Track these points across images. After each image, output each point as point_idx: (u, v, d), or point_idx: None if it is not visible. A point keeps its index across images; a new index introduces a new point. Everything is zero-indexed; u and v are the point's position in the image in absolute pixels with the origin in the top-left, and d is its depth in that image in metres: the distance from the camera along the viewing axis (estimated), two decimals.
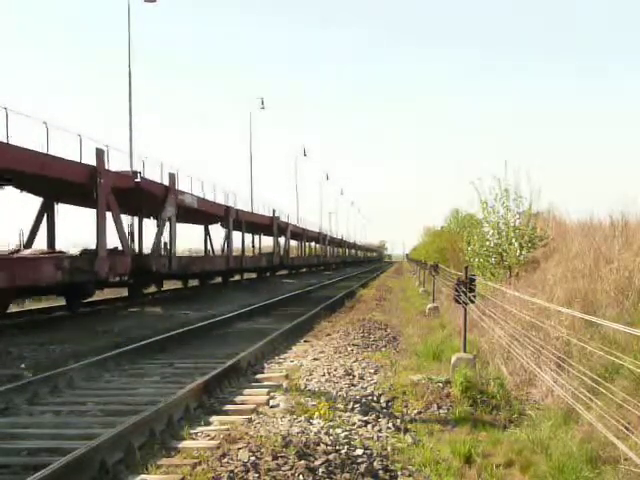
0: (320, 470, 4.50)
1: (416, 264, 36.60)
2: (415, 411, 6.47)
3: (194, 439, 5.43)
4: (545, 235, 13.15)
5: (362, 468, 4.66)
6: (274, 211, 40.05)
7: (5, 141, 14.06)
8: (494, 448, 5.39)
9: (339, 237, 79.70)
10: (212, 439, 5.33)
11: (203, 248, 31.50)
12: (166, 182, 22.19)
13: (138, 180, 19.57)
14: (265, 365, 8.94)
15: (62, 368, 8.19)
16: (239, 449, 4.78)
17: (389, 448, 5.29)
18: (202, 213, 26.93)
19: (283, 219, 42.48)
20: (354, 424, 5.83)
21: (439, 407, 6.54)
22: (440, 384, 7.22)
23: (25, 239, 18.10)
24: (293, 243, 49.47)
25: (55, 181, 15.83)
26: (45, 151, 15.52)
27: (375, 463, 4.82)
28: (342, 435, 5.40)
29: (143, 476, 4.57)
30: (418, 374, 7.72)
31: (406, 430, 5.88)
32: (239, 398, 6.90)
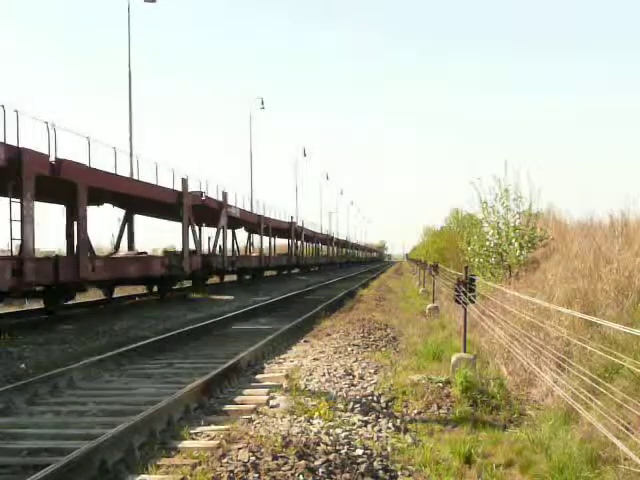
0: (320, 470, 4.50)
1: (416, 264, 36.60)
2: (415, 411, 6.47)
3: (194, 439, 5.43)
4: (545, 235, 13.15)
5: (362, 468, 4.66)
6: (292, 217, 46.88)
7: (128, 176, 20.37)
8: (494, 448, 5.39)
9: (344, 239, 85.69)
10: (212, 439, 5.32)
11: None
12: (220, 198, 28.58)
13: (204, 198, 25.46)
14: (265, 365, 8.96)
15: (62, 368, 8.19)
16: (239, 449, 4.78)
17: (389, 448, 5.29)
18: (242, 221, 33.46)
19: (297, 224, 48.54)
20: (354, 424, 5.83)
21: (439, 407, 6.54)
22: (440, 384, 7.22)
23: (115, 243, 23.26)
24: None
25: (155, 202, 21.41)
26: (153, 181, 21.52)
27: (375, 463, 4.82)
28: (342, 435, 5.40)
29: (143, 476, 4.57)
30: (418, 374, 7.72)
31: (406, 430, 5.88)
32: (239, 398, 6.92)
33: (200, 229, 31.99)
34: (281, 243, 46.93)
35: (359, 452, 5.00)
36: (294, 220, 46.67)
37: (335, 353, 9.59)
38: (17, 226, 13.33)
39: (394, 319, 14.44)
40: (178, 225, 23.31)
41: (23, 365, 9.30)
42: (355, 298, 20.66)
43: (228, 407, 6.52)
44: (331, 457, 4.73)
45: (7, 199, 13.38)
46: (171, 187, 22.30)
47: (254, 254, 37.01)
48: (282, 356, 9.74)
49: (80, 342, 11.64)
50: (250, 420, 5.88)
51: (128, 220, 23.32)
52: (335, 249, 72.71)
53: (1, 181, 13.79)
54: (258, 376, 8.17)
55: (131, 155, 23.76)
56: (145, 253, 22.11)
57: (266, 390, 7.19)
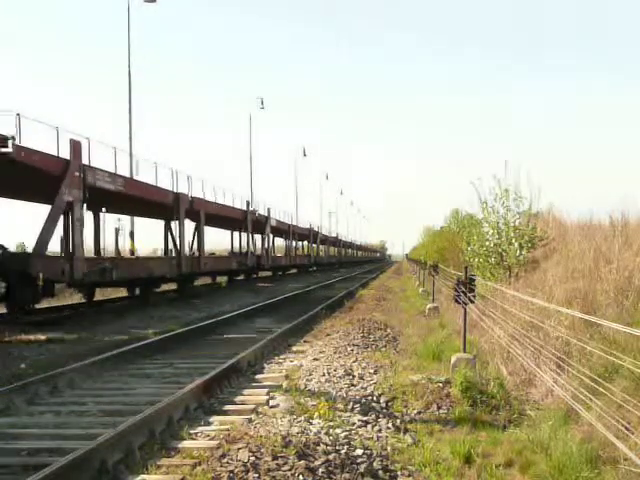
0: (320, 470, 4.50)
1: (416, 264, 36.58)
2: (415, 411, 6.47)
3: (194, 439, 5.43)
4: (545, 235, 13.13)
5: (362, 468, 4.66)
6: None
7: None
8: (494, 448, 5.38)
9: (353, 243, 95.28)
10: (212, 439, 5.32)
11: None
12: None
13: (257, 215, 33.83)
14: (265, 365, 8.95)
15: (62, 368, 8.18)
16: (239, 449, 4.78)
17: (389, 448, 5.29)
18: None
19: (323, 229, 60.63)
20: (354, 424, 5.83)
21: (439, 407, 6.54)
22: (440, 384, 7.21)
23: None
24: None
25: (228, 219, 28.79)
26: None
27: (375, 463, 4.82)
28: (342, 435, 5.40)
29: (143, 476, 4.57)
30: (418, 374, 7.72)
31: (406, 430, 5.88)
32: (239, 398, 6.91)
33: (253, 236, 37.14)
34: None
35: (359, 452, 5.00)
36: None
37: (335, 353, 9.59)
38: None
39: (394, 319, 14.44)
40: None
41: (23, 365, 9.29)
42: (355, 298, 20.67)
43: (228, 407, 6.53)
44: (331, 457, 4.73)
45: None
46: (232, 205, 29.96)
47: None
48: (282, 356, 9.75)
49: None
50: (250, 420, 5.88)
51: (198, 230, 26.47)
52: (350, 251, 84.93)
53: None
54: (258, 376, 8.17)
55: (131, 155, 23.76)
56: (214, 254, 29.56)
57: (266, 390, 7.19)
